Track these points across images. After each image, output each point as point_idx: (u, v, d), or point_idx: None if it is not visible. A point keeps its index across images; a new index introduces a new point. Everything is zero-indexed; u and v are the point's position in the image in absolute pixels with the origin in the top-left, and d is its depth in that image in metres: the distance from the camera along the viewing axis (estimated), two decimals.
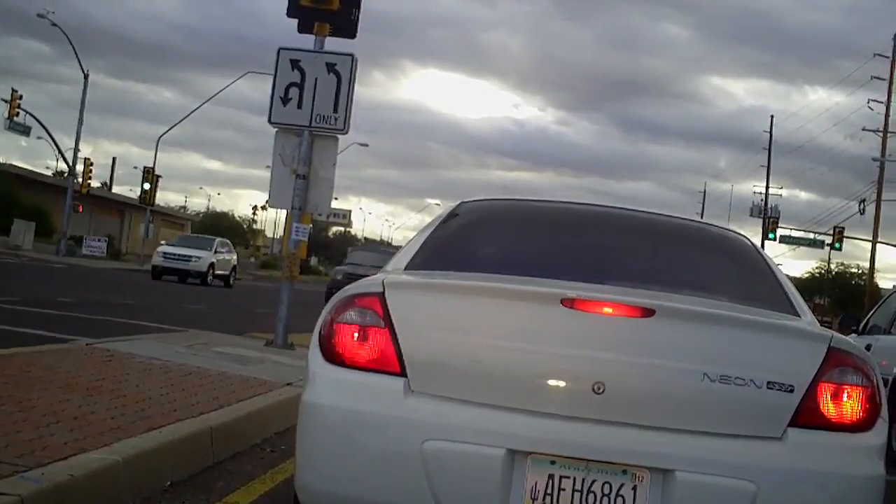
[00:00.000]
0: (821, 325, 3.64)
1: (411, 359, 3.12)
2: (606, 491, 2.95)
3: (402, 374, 3.11)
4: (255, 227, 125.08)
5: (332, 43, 11.29)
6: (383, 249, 34.65)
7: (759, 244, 4.73)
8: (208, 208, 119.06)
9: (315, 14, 11.04)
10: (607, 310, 3.09)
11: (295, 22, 11.16)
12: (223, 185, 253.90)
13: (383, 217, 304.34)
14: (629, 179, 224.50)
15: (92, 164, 52.90)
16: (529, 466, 2.97)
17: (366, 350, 3.17)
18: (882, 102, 50.88)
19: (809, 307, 3.97)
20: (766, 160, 63.07)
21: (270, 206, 13.61)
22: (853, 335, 10.98)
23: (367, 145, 69.16)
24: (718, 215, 76.20)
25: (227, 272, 37.11)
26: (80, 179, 50.92)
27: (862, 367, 3.17)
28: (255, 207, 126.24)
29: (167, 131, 54.03)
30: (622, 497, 2.95)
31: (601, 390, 3.00)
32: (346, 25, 11.17)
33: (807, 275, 71.66)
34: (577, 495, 2.95)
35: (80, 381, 6.46)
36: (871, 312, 12.51)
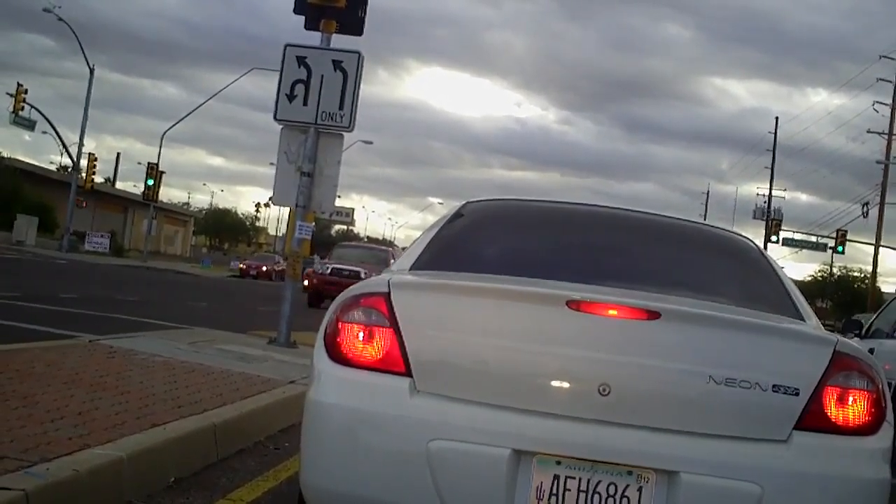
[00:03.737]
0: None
1: (417, 358, 3.12)
2: (612, 492, 2.95)
3: (408, 373, 3.11)
4: (257, 224, 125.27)
5: (338, 40, 11.30)
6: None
7: (762, 247, 4.73)
8: (211, 205, 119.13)
9: (322, 11, 11.04)
10: (612, 312, 3.09)
11: (301, 19, 11.17)
12: (226, 182, 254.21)
13: (386, 215, 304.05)
14: (631, 180, 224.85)
15: (96, 160, 53.08)
16: (535, 467, 2.97)
17: (371, 350, 3.17)
18: (887, 105, 50.86)
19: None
20: (769, 162, 63.01)
21: (274, 203, 13.57)
22: (856, 339, 10.97)
23: (371, 143, 69.12)
24: (721, 217, 76.19)
25: None
26: (83, 175, 51.00)
27: (867, 371, 3.17)
28: (258, 204, 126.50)
29: (171, 127, 54.12)
30: (627, 498, 2.95)
31: (606, 392, 3.00)
32: (352, 23, 11.16)
33: (809, 278, 71.71)
34: (582, 496, 2.95)
35: (83, 378, 6.47)
36: (874, 316, 12.51)
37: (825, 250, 56.69)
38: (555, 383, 3.07)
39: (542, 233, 4.31)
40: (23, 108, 45.66)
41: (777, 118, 69.06)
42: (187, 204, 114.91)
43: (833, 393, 3.10)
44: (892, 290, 51.60)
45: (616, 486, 2.96)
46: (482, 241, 4.22)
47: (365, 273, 23.24)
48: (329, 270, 26.31)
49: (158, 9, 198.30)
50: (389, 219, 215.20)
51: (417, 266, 3.81)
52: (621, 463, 2.96)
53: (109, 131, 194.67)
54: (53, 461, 4.02)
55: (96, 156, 53.23)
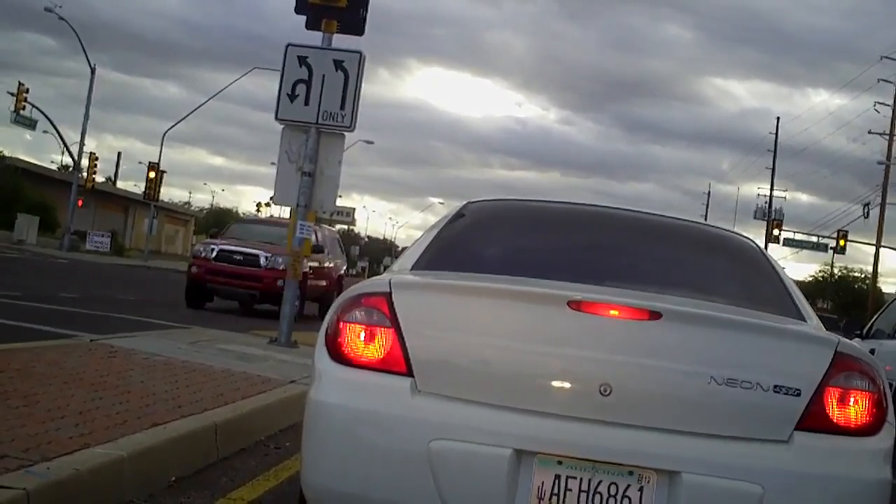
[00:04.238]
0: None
1: (418, 358, 3.12)
2: (613, 492, 2.95)
3: (409, 373, 3.11)
4: None
5: (339, 40, 11.29)
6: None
7: (763, 247, 4.74)
8: (212, 204, 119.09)
9: (323, 11, 11.04)
10: (614, 312, 3.09)
11: (303, 18, 11.16)
12: (227, 182, 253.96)
13: (387, 215, 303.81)
14: (632, 180, 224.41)
15: (97, 159, 53.13)
16: (536, 466, 2.97)
17: (372, 349, 3.17)
18: (888, 105, 50.83)
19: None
20: (770, 162, 62.86)
21: (275, 203, 13.58)
22: (857, 340, 10.97)
23: (372, 143, 69.05)
24: (722, 217, 76.12)
25: None
26: (84, 174, 51.01)
27: (868, 371, 3.18)
28: (259, 204, 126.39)
29: (172, 127, 53.96)
30: (628, 498, 2.95)
31: (608, 392, 3.00)
32: (353, 22, 11.16)
33: (810, 278, 71.65)
34: (583, 496, 2.95)
35: (84, 377, 6.47)
36: (875, 317, 12.51)
37: (826, 250, 56.61)
38: (556, 383, 3.07)
39: (544, 233, 4.31)
40: (24, 108, 45.64)
41: (778, 118, 69.12)
42: (188, 203, 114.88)
43: (834, 393, 3.11)
44: (893, 291, 51.63)
45: (617, 487, 2.96)
46: (483, 241, 4.22)
47: (266, 258, 18.23)
48: (215, 254, 18.60)
49: (159, 8, 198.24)
50: (390, 218, 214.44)
51: (419, 266, 3.81)
52: (622, 463, 2.96)
53: (110, 131, 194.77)
54: (54, 460, 4.02)
55: (97, 155, 53.37)
